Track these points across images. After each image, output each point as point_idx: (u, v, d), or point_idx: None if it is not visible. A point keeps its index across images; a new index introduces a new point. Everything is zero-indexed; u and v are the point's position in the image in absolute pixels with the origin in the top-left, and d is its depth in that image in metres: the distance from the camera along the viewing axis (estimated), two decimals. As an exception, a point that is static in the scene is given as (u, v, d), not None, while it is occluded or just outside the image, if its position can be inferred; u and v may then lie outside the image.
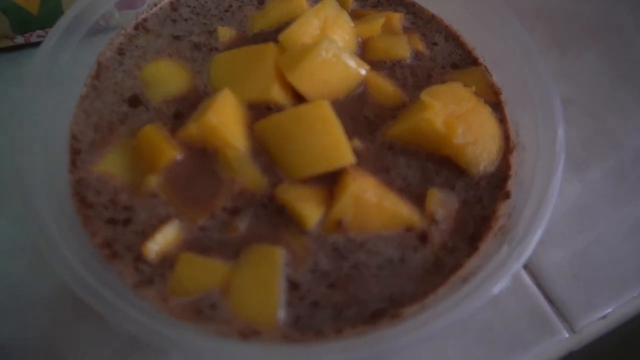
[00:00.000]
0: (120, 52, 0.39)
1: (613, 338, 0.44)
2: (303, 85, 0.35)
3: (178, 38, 0.40)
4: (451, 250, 0.32)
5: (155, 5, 0.41)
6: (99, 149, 0.35)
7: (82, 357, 0.35)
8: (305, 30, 0.37)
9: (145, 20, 0.41)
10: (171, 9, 0.42)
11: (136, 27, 0.40)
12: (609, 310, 0.42)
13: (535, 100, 0.35)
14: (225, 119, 0.34)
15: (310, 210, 0.32)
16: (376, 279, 0.31)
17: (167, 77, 0.38)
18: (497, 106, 0.38)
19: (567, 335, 0.41)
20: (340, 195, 0.32)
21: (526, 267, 0.43)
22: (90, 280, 0.27)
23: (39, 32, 0.53)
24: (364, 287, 0.31)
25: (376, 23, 0.40)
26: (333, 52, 0.35)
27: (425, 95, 0.35)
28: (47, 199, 0.30)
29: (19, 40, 0.53)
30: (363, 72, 0.37)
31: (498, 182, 0.35)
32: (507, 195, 0.34)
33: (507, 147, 0.36)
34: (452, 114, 0.34)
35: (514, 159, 0.35)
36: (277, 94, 0.36)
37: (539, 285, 0.42)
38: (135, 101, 0.37)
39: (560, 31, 0.58)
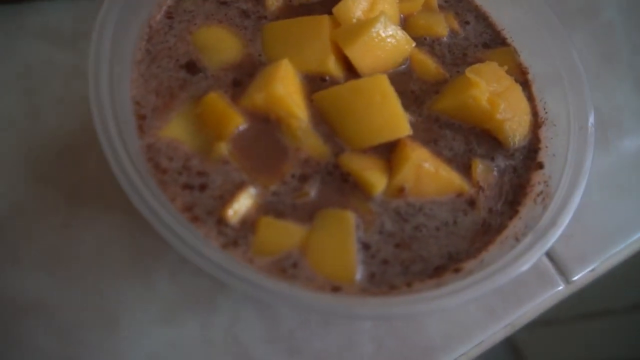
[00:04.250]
0: (169, 15, 0.39)
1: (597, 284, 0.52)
2: (359, 59, 0.38)
3: (225, 4, 0.40)
4: (496, 214, 0.36)
5: (199, -32, 0.41)
6: (163, 115, 0.35)
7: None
8: (358, 4, 0.39)
9: (190, -17, 0.41)
10: (214, -27, 0.42)
11: (182, -10, 0.40)
12: (597, 264, 0.50)
13: (565, 79, 0.39)
14: (290, 90, 0.36)
15: (376, 179, 0.34)
16: (435, 239, 0.35)
17: (220, 44, 0.39)
18: (525, 84, 0.42)
19: (562, 287, 0.48)
20: (402, 165, 0.35)
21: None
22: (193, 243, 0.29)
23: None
24: (425, 246, 0.34)
25: (418, 1, 0.42)
26: (389, 29, 0.37)
27: (470, 73, 0.38)
28: (130, 162, 0.31)
29: (29, -9, 0.50)
30: (410, 48, 0.40)
31: (530, 154, 0.39)
32: (540, 166, 0.38)
33: (536, 122, 0.40)
34: (494, 92, 0.38)
35: (543, 134, 0.40)
36: (333, 67, 0.38)
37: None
38: (192, 68, 0.37)
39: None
